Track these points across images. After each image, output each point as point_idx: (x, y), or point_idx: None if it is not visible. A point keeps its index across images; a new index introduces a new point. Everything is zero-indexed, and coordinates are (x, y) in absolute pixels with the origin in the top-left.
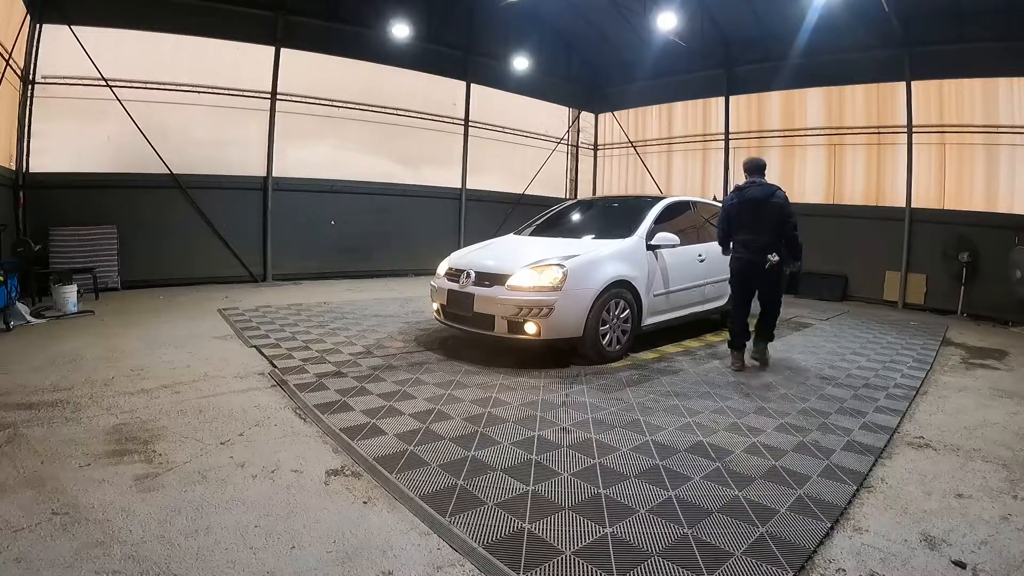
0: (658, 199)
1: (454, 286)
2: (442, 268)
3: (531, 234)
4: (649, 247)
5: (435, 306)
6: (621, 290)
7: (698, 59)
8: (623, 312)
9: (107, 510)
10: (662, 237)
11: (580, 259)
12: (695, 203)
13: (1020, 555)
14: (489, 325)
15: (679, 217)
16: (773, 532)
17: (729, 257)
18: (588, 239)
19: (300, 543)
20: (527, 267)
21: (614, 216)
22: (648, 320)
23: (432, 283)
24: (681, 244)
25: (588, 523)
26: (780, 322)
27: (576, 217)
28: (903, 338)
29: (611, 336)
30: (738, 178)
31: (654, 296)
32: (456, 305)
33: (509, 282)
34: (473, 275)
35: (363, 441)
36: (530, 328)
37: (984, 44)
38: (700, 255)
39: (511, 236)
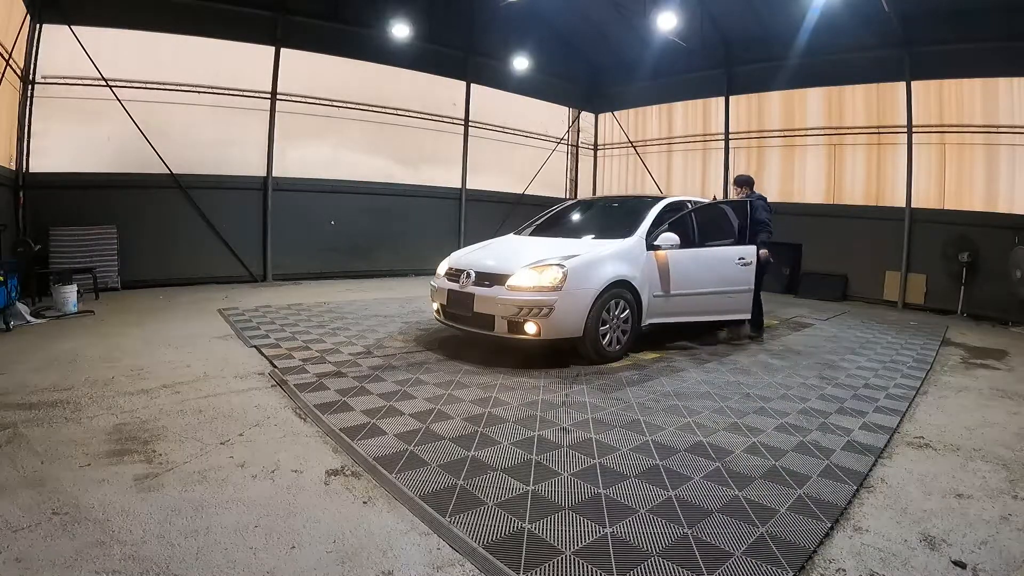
0: (658, 199)
1: (454, 286)
2: (442, 268)
3: (531, 234)
4: (650, 247)
5: (435, 306)
6: (621, 290)
7: (698, 59)
8: (623, 312)
9: (107, 510)
10: (663, 237)
11: (580, 259)
12: (696, 203)
13: (1020, 555)
14: (489, 325)
15: (680, 217)
16: (773, 532)
17: (755, 254)
18: (588, 239)
19: (300, 543)
20: (527, 267)
21: (614, 216)
22: (648, 320)
23: (432, 283)
24: (682, 246)
25: (588, 523)
26: (781, 322)
27: (576, 217)
28: (903, 338)
29: (611, 336)
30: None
31: (654, 297)
32: (456, 305)
33: (509, 282)
34: (473, 275)
35: (363, 441)
36: (530, 328)
37: (984, 44)
38: (702, 257)
39: (511, 236)
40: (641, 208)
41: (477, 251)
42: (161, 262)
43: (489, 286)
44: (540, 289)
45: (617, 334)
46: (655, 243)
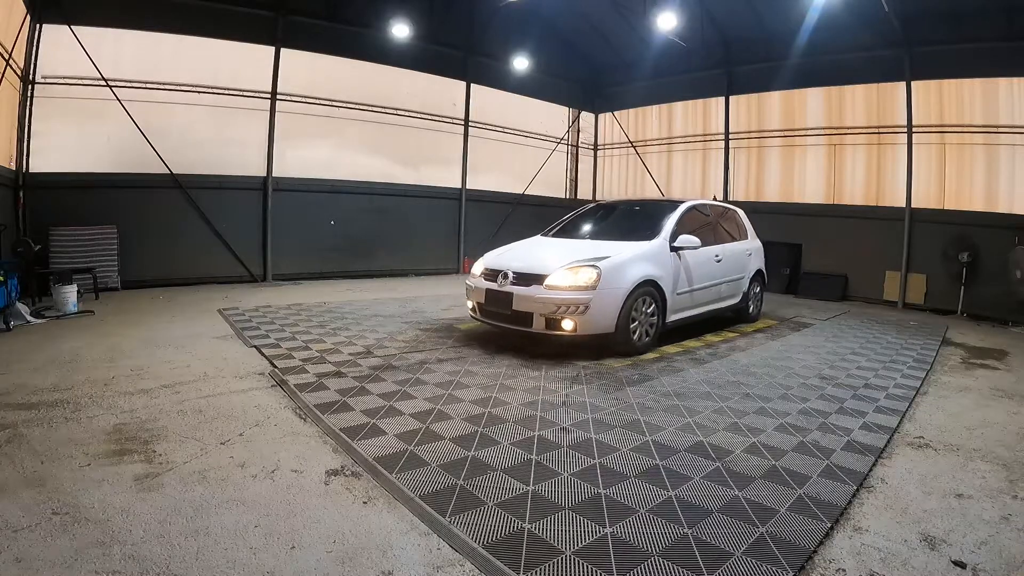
0: (678, 203)
1: (492, 285)
2: (477, 268)
3: (556, 236)
4: (672, 248)
5: (470, 304)
6: (649, 289)
7: (698, 59)
8: (650, 308)
9: (107, 510)
10: (684, 239)
11: (612, 260)
12: (711, 206)
13: (1020, 555)
14: (527, 322)
15: (696, 220)
16: (773, 532)
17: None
18: (615, 241)
19: (300, 543)
20: (563, 268)
21: (637, 219)
22: (672, 316)
23: (468, 282)
24: (701, 246)
25: (588, 523)
26: (781, 322)
27: (600, 220)
28: (903, 338)
29: (640, 331)
30: (738, 178)
31: (677, 294)
32: (494, 303)
33: (547, 282)
34: (511, 275)
35: (363, 441)
36: (567, 324)
37: (984, 44)
38: (717, 255)
39: (539, 238)
40: (662, 211)
41: (511, 252)
42: (161, 262)
43: (527, 285)
44: (576, 288)
45: (645, 327)
46: (678, 245)
